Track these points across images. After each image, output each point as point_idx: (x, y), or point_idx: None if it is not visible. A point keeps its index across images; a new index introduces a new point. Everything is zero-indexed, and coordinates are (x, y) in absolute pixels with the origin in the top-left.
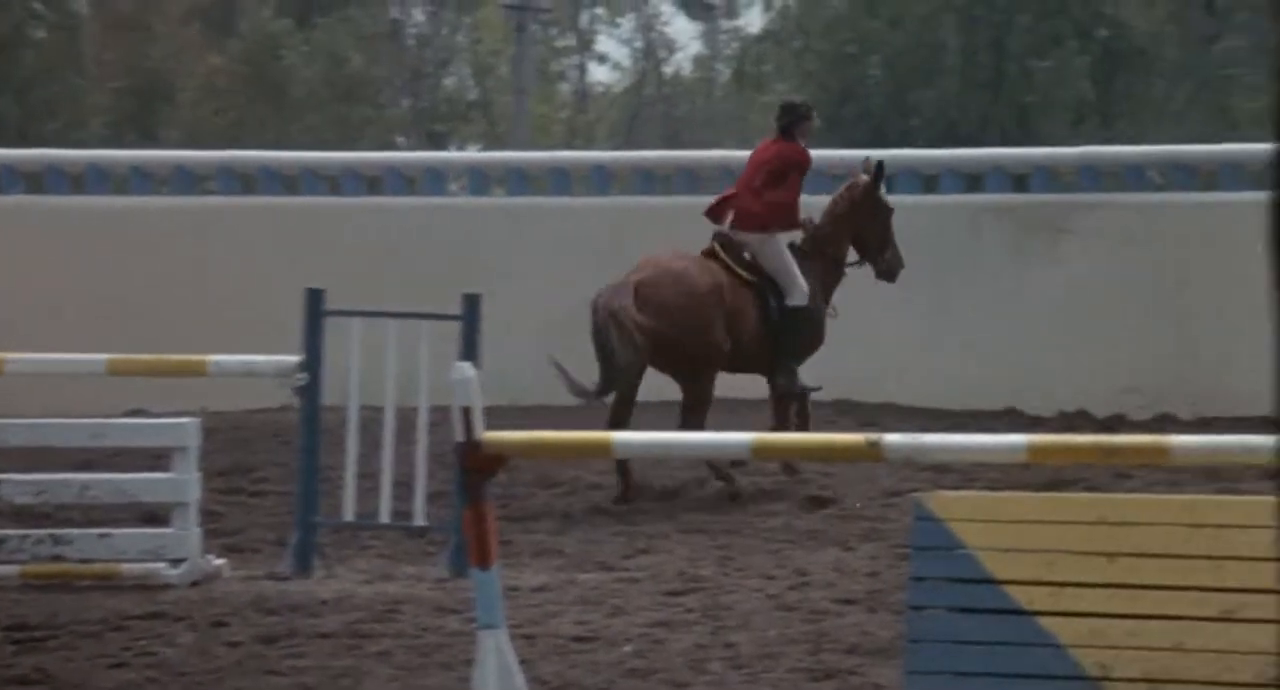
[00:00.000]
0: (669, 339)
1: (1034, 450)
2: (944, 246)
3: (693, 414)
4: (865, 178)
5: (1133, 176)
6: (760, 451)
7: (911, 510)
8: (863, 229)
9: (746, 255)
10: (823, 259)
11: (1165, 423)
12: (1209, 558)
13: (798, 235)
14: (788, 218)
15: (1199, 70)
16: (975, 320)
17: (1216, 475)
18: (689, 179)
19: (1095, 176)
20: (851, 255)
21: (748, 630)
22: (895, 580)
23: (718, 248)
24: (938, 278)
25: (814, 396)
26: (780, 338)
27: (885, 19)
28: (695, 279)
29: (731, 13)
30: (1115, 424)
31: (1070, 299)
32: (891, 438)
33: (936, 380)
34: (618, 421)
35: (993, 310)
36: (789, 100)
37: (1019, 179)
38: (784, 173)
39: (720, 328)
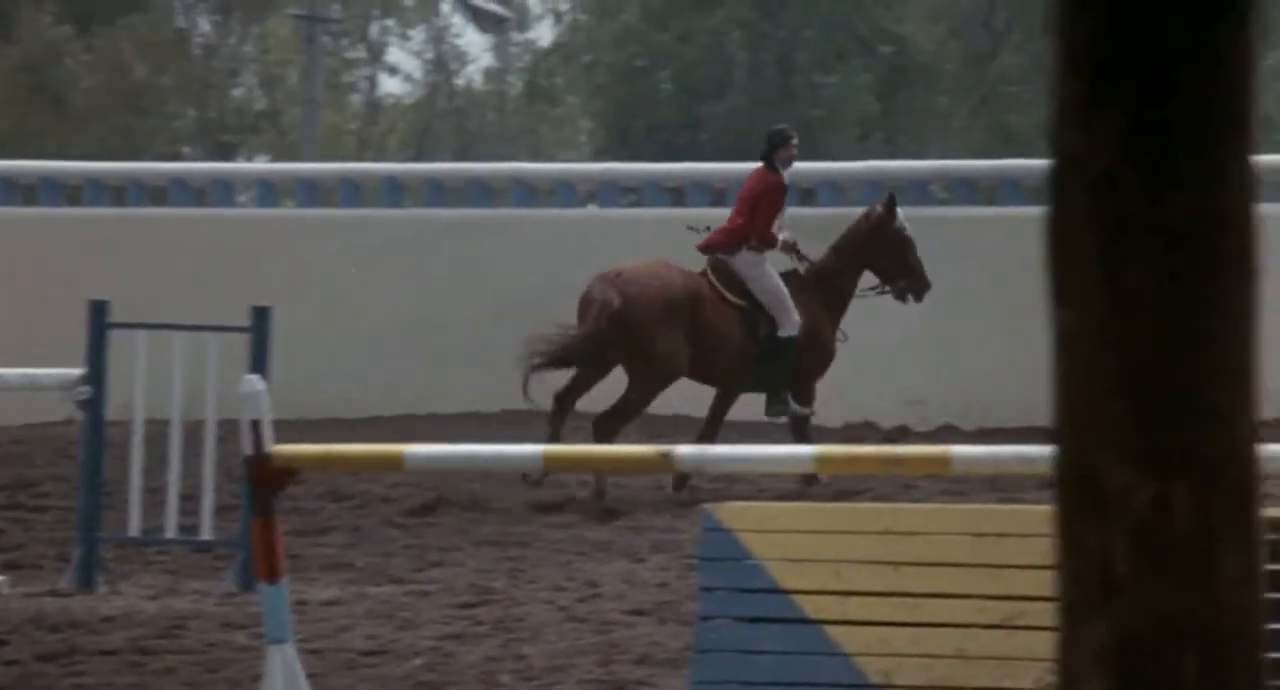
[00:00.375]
0: (624, 326)
1: (821, 461)
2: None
3: (614, 416)
4: (879, 210)
5: (916, 191)
6: (551, 462)
7: (701, 521)
8: (877, 259)
9: (745, 282)
10: (826, 288)
11: (948, 434)
12: (990, 566)
13: (798, 263)
14: (758, 239)
15: (979, 86)
16: None
17: (998, 485)
18: (481, 191)
19: (879, 191)
20: (873, 280)
21: (538, 642)
22: (685, 591)
23: (709, 270)
24: None
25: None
26: (768, 365)
27: (675, 33)
28: (668, 282)
29: (522, 26)
30: (899, 435)
31: (855, 312)
32: (683, 449)
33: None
34: (555, 423)
35: None
36: (771, 129)
37: (806, 193)
38: (759, 200)
39: (676, 337)
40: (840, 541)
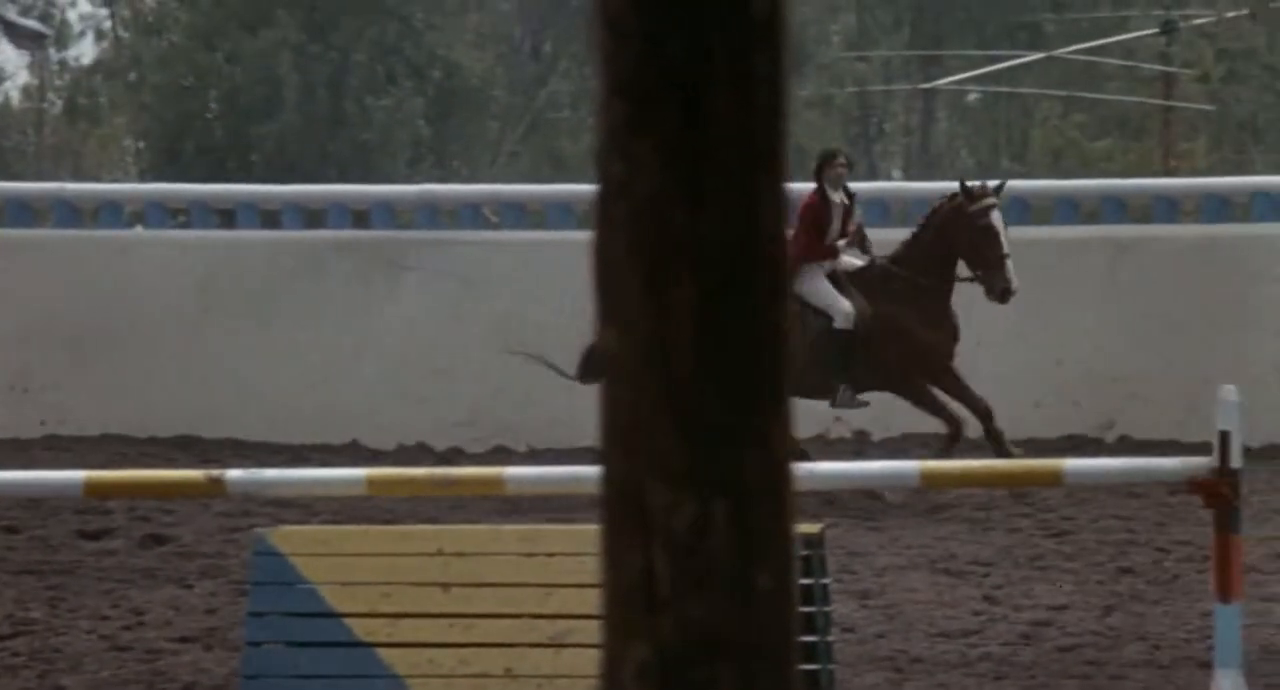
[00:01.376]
0: None
1: (373, 483)
2: (286, 282)
3: None
4: (959, 199)
5: (468, 215)
6: (93, 490)
7: (252, 545)
8: (957, 248)
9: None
10: (901, 280)
11: (501, 455)
12: (540, 585)
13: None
14: (808, 256)
15: (529, 112)
16: (317, 355)
17: (550, 505)
18: (20, 210)
19: (433, 214)
20: (964, 271)
21: (78, 673)
22: (234, 617)
23: None
24: (279, 313)
25: (164, 432)
26: (825, 359)
27: (223, 53)
28: None
29: (61, 43)
30: (453, 456)
31: (410, 334)
32: (233, 473)
33: (279, 414)
34: None
35: (335, 345)
36: (822, 149)
37: (359, 215)
38: (800, 220)
39: None
40: (392, 564)
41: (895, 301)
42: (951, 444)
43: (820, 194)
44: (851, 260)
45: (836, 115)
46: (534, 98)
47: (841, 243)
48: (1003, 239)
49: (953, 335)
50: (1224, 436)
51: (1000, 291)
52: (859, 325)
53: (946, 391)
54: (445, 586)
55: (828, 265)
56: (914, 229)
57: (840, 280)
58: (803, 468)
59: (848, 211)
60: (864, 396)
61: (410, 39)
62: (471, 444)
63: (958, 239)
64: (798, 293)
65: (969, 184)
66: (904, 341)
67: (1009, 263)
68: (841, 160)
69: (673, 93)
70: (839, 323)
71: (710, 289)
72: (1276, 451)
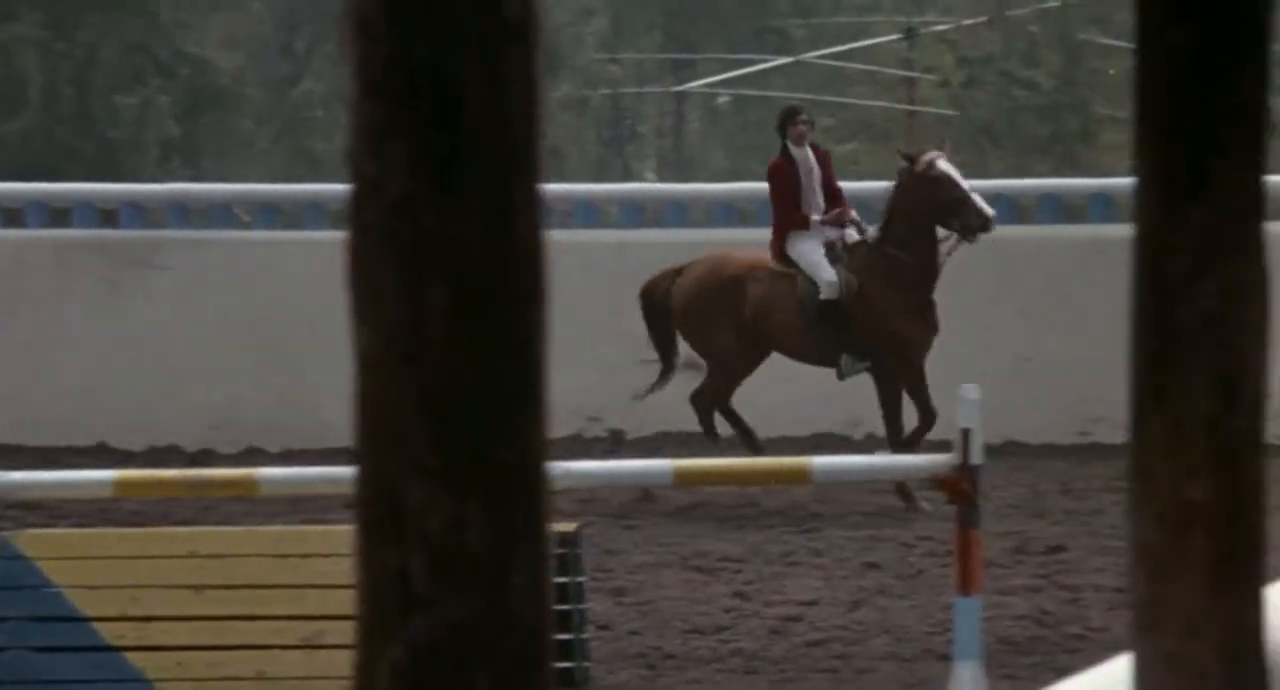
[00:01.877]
0: (669, 318)
1: (122, 485)
2: (31, 282)
3: (699, 395)
4: (907, 164)
5: (221, 214)
6: None
7: None
8: (925, 212)
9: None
10: (887, 257)
11: (254, 456)
12: (294, 587)
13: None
14: (784, 223)
15: (281, 111)
16: (65, 356)
17: (304, 506)
18: None
19: (184, 214)
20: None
21: None
22: None
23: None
24: (25, 313)
25: None
26: (818, 329)
27: None
28: (711, 269)
29: None
30: (205, 458)
31: (162, 334)
32: None
33: (24, 416)
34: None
35: (83, 346)
36: (785, 106)
37: (108, 214)
38: (770, 186)
39: (721, 321)
40: (142, 567)
41: (881, 281)
42: (919, 435)
43: (785, 155)
44: (852, 234)
45: (591, 117)
46: (287, 97)
47: (816, 217)
48: (957, 178)
49: (932, 326)
50: (965, 434)
51: (980, 224)
52: (844, 297)
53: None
54: (197, 589)
55: (831, 233)
56: (886, 208)
57: (835, 251)
58: (559, 466)
59: (824, 166)
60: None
61: (158, 37)
62: (224, 445)
63: (921, 199)
64: (791, 257)
65: (905, 152)
66: (884, 323)
67: (975, 196)
68: (804, 117)
69: (424, 94)
70: (824, 293)
71: (464, 290)
72: (1016, 448)
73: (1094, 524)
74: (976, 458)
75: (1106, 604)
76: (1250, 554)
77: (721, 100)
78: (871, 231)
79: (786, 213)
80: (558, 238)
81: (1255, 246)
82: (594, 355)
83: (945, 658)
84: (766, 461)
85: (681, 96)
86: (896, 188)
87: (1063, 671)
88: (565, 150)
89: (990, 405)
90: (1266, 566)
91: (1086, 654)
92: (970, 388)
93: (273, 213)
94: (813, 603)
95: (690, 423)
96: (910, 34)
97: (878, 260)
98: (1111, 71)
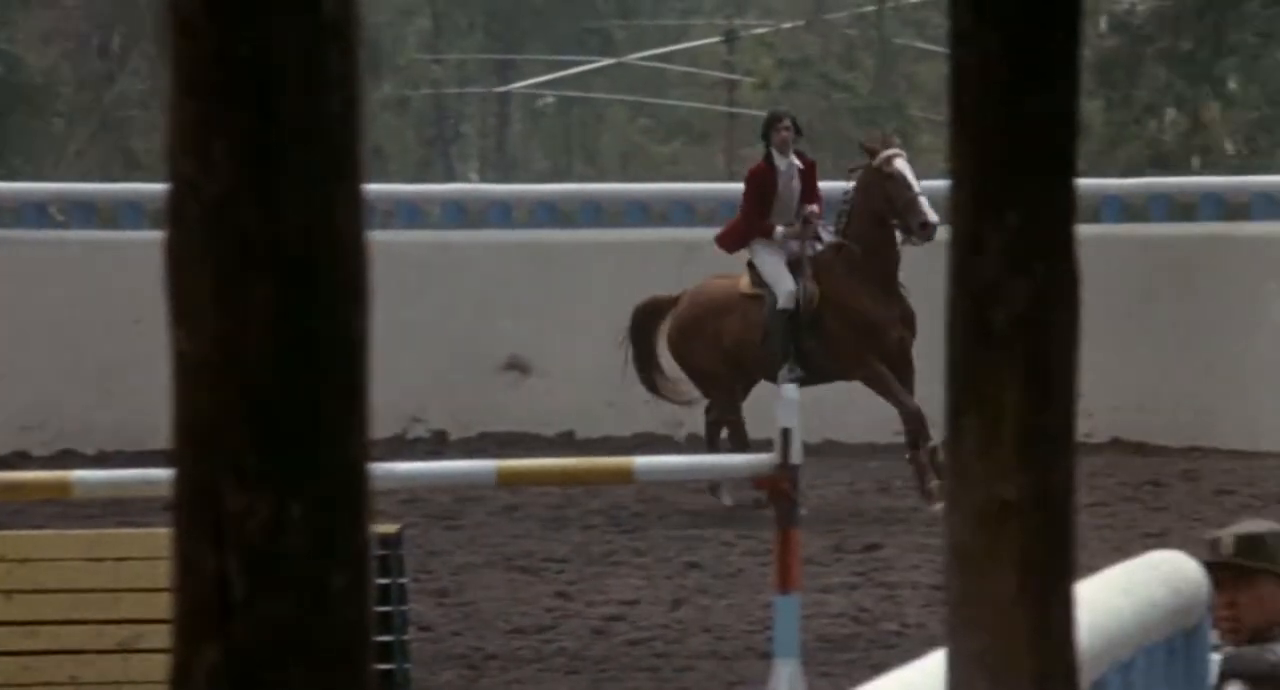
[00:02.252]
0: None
1: None
2: None
3: (708, 409)
4: (866, 159)
5: (34, 213)
6: None
7: None
8: (879, 213)
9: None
10: (848, 259)
11: (69, 458)
12: (108, 591)
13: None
14: (739, 231)
15: (98, 110)
16: None
17: (121, 509)
18: None
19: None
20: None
21: None
22: None
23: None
24: None
25: None
26: (777, 340)
27: None
28: (693, 299)
29: None
30: (17, 461)
31: None
32: None
33: None
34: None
35: None
36: (770, 111)
37: None
38: (745, 192)
39: (701, 347)
40: None
41: (844, 280)
42: (916, 438)
43: (767, 161)
44: (825, 238)
45: (412, 117)
46: (103, 95)
47: (780, 230)
48: (910, 180)
49: (904, 320)
50: (785, 433)
51: (919, 228)
52: (801, 306)
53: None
54: (7, 594)
55: (794, 246)
56: (846, 205)
57: (799, 261)
58: (381, 467)
59: (806, 176)
60: (818, 388)
61: None
62: (37, 447)
63: (874, 195)
64: (755, 264)
65: (867, 144)
66: (852, 322)
67: (922, 200)
68: (786, 123)
69: (243, 93)
70: (781, 302)
71: (285, 291)
72: (835, 447)
73: (910, 522)
74: (796, 457)
75: (923, 601)
76: (1060, 551)
77: (544, 101)
78: (828, 235)
79: (752, 220)
80: (380, 238)
81: (1066, 249)
82: (417, 355)
83: (765, 655)
84: (589, 462)
85: (504, 97)
86: (855, 186)
87: (879, 668)
88: (387, 150)
89: (809, 405)
90: (1075, 563)
91: (903, 650)
92: (790, 388)
93: (89, 212)
94: (634, 602)
95: (513, 424)
96: (730, 37)
97: (839, 261)
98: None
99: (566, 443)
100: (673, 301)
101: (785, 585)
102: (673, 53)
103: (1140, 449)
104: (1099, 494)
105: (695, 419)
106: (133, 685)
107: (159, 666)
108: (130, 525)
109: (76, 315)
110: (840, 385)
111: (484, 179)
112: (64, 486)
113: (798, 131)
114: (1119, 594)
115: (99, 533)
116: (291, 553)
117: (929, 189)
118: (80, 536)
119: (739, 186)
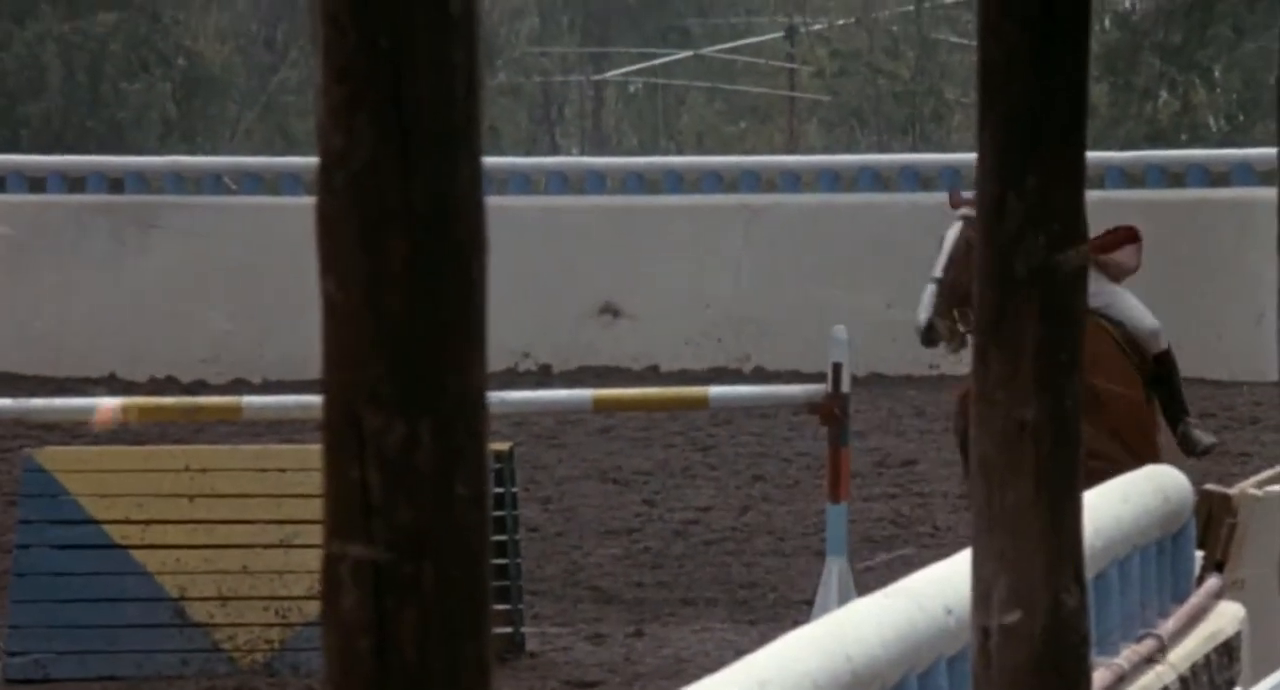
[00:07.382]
0: None
1: (128, 410)
2: (51, 239)
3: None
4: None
5: (211, 182)
6: None
7: (21, 464)
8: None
9: None
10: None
11: (240, 386)
12: (271, 496)
13: None
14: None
15: (263, 96)
16: (79, 300)
17: (282, 429)
18: None
19: (180, 181)
20: None
21: None
22: (6, 525)
23: None
24: (46, 265)
25: None
26: None
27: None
28: None
29: None
30: (197, 388)
31: (160, 283)
32: (4, 402)
33: (45, 353)
34: None
35: (94, 292)
36: None
37: (115, 182)
38: None
39: None
40: (144, 479)
41: None
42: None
43: None
44: None
45: (524, 101)
46: (267, 83)
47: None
48: (940, 256)
49: None
50: (836, 367)
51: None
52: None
53: None
54: (190, 498)
55: None
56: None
57: None
58: (495, 395)
59: None
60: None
61: (160, 32)
62: (213, 377)
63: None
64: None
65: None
66: None
67: (930, 287)
68: None
69: (382, 79)
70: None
71: (417, 243)
72: (878, 379)
73: (942, 441)
74: (845, 387)
75: (951, 508)
76: (1069, 465)
77: (633, 87)
78: None
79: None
80: (495, 202)
81: (1077, 210)
82: (526, 301)
83: (819, 554)
84: (670, 390)
85: (600, 84)
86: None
87: (914, 564)
88: (501, 128)
89: (857, 343)
90: (1082, 475)
91: (935, 549)
92: (840, 329)
93: (255, 181)
94: (708, 508)
95: (606, 360)
96: (791, 32)
97: None
98: (959, 64)
99: (651, 375)
100: None
101: (836, 495)
102: (741, 46)
103: None
104: None
105: (761, 354)
106: (292, 574)
107: (313, 559)
108: (290, 441)
109: (245, 267)
110: (883, 326)
111: (582, 153)
112: (235, 409)
113: None
114: (1119, 502)
115: (264, 448)
116: (422, 466)
117: (961, 162)
118: (249, 450)
119: (797, 158)
